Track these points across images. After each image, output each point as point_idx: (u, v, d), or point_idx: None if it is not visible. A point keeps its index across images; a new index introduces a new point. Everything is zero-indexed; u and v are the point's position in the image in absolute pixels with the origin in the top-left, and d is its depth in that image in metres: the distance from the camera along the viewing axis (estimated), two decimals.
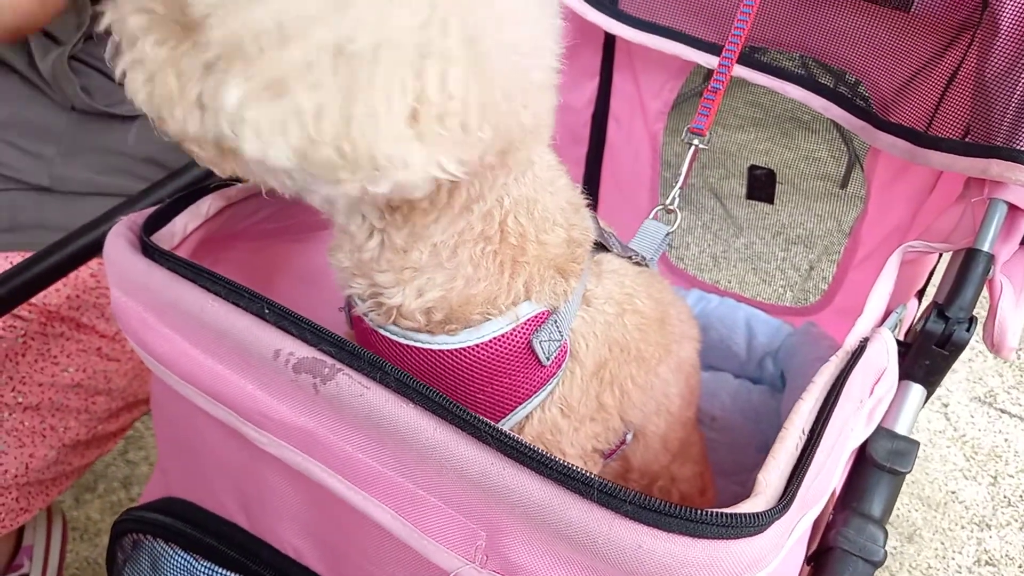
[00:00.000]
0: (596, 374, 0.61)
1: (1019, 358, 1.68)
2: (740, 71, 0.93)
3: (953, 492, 1.41)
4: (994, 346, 0.68)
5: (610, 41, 1.11)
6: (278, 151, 0.41)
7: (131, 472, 1.34)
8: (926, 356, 0.63)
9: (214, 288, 0.49)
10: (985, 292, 0.67)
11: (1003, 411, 1.57)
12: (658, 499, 0.38)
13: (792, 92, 0.93)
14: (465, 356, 0.56)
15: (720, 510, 0.38)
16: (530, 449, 0.40)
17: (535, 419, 0.60)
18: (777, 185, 1.16)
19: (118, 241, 0.54)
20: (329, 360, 0.45)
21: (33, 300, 0.74)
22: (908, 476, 0.58)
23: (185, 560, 0.58)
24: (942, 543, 1.33)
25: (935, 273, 0.81)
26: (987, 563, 1.30)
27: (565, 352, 0.59)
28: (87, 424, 0.83)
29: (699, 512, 0.38)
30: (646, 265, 0.69)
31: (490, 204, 0.53)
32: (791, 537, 0.43)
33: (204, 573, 0.57)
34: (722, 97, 0.82)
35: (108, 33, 0.47)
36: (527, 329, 0.57)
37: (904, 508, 1.38)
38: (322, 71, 0.40)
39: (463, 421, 0.42)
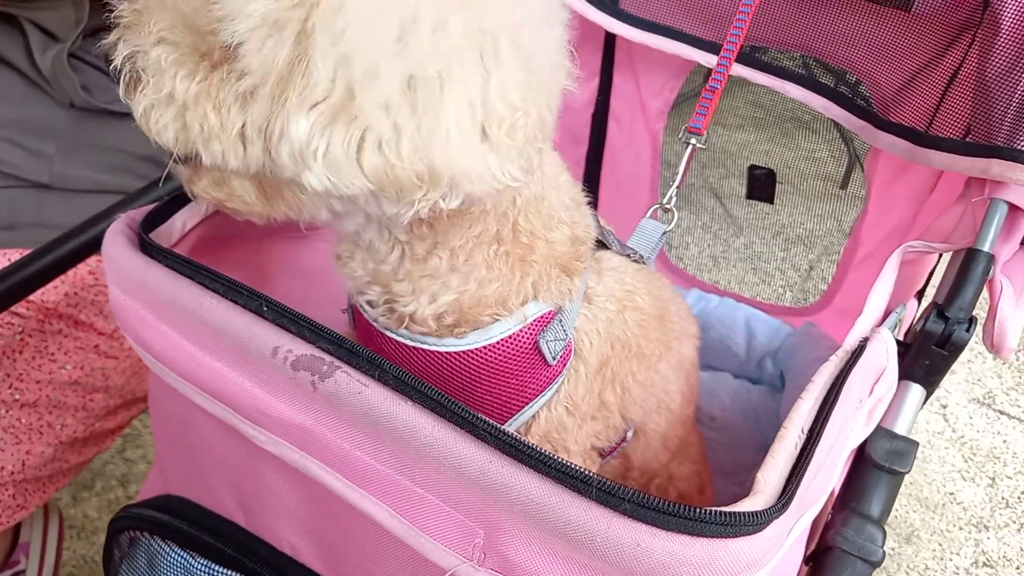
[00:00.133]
0: (599, 372, 0.61)
1: (1018, 359, 1.68)
2: (740, 70, 0.93)
3: (951, 493, 1.41)
4: (994, 347, 0.68)
5: (610, 41, 1.11)
6: (352, 178, 0.41)
7: (129, 470, 1.34)
8: (926, 356, 0.63)
9: (212, 285, 0.49)
10: (985, 292, 0.67)
11: (1002, 412, 1.57)
12: (657, 497, 0.38)
13: (793, 92, 0.93)
14: (473, 358, 0.56)
15: (719, 509, 0.38)
16: (528, 447, 0.40)
17: (542, 418, 0.60)
18: (777, 185, 1.16)
19: (117, 238, 0.54)
20: (327, 358, 0.45)
21: (31, 297, 0.74)
22: (906, 477, 0.57)
23: (182, 558, 0.58)
24: (940, 544, 1.33)
25: (935, 273, 0.81)
26: (985, 564, 1.30)
27: (570, 351, 0.59)
28: (85, 421, 0.83)
29: (698, 511, 0.38)
30: (644, 263, 0.69)
31: (506, 204, 0.53)
32: (790, 536, 0.43)
33: (201, 571, 0.57)
34: (720, 96, 0.82)
35: (118, 71, 0.46)
36: (534, 329, 0.57)
37: (902, 509, 1.38)
38: (393, 95, 0.40)
39: (461, 419, 0.42)
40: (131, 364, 0.86)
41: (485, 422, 0.41)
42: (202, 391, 0.51)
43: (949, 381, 1.63)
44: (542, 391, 0.59)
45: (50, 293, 0.78)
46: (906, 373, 0.63)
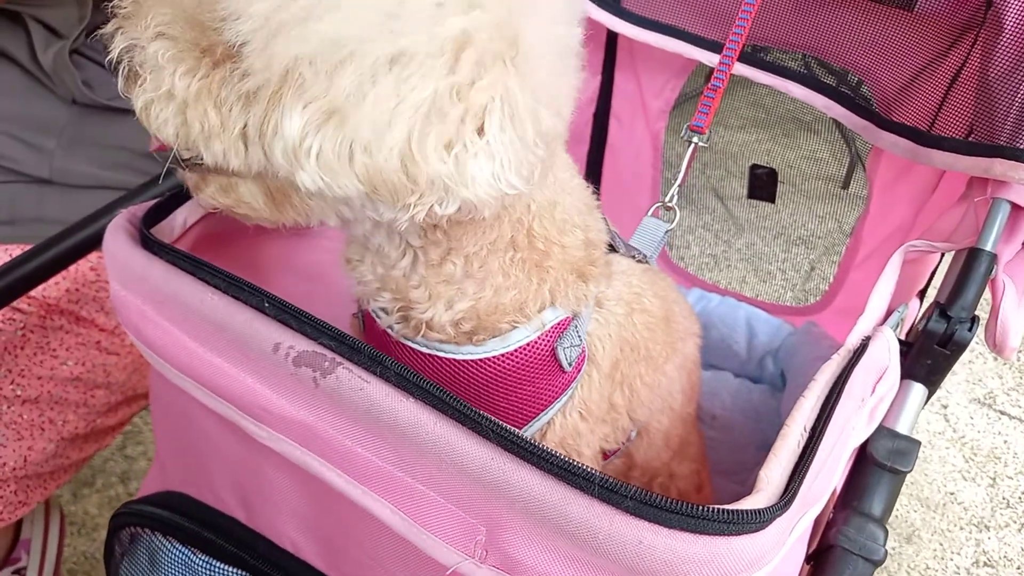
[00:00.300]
0: (610, 376, 0.61)
1: (1019, 360, 1.68)
2: (743, 70, 0.93)
3: (952, 493, 1.41)
4: (996, 346, 0.68)
5: (612, 39, 1.11)
6: (344, 180, 0.40)
7: (129, 467, 1.34)
8: (928, 356, 0.63)
9: (214, 281, 0.49)
10: (987, 292, 0.67)
11: (1003, 413, 1.57)
12: (659, 495, 0.38)
13: (795, 91, 0.93)
14: (490, 366, 0.56)
15: (722, 506, 0.38)
16: (530, 444, 0.40)
17: (556, 424, 0.59)
18: (779, 185, 1.16)
19: (118, 234, 0.54)
20: (329, 354, 0.45)
21: (32, 293, 0.74)
22: (907, 477, 0.57)
23: (183, 554, 0.58)
24: (941, 544, 1.33)
25: (936, 274, 0.81)
26: (985, 564, 1.30)
27: (584, 357, 0.59)
28: (86, 418, 0.83)
29: (701, 508, 0.38)
30: (647, 263, 0.69)
31: (520, 210, 0.52)
32: (792, 535, 0.43)
33: (202, 567, 0.57)
34: (722, 95, 0.82)
35: (116, 63, 0.45)
36: (551, 336, 0.56)
37: (903, 509, 1.38)
38: (377, 94, 0.39)
39: (463, 415, 0.42)
40: (132, 360, 0.86)
41: (487, 419, 0.41)
42: (203, 387, 0.51)
43: (950, 381, 1.63)
44: (557, 397, 0.58)
45: (51, 289, 0.78)
46: (908, 372, 0.63)
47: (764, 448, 1.02)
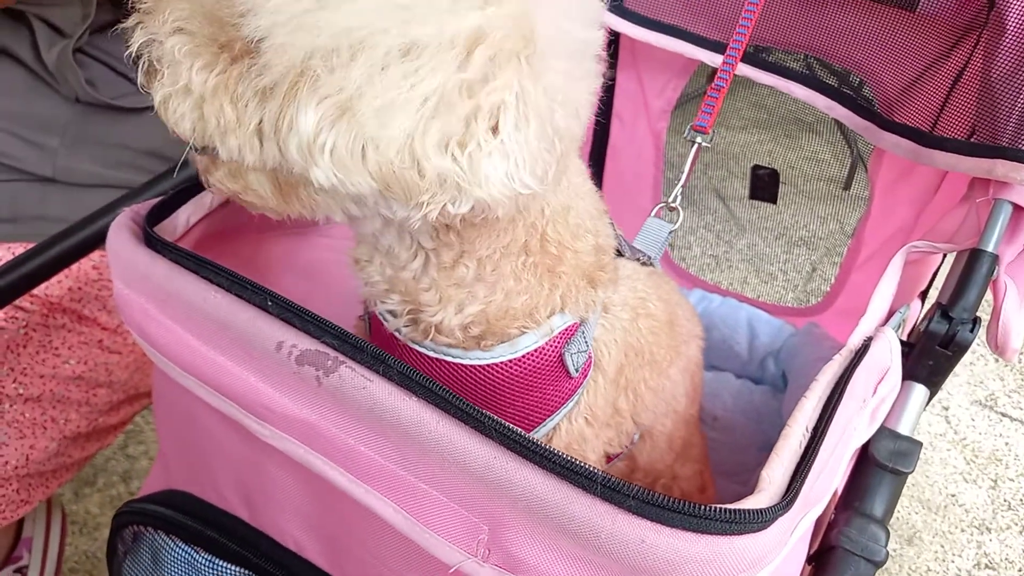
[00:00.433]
0: (615, 381, 0.61)
1: (1020, 362, 1.68)
2: (745, 70, 0.93)
3: (953, 495, 1.41)
4: (997, 348, 0.68)
5: (614, 39, 1.11)
6: (357, 176, 0.40)
7: (131, 466, 1.34)
8: (929, 356, 0.63)
9: (217, 280, 0.49)
10: (989, 293, 0.67)
11: (1004, 415, 1.57)
12: (662, 494, 0.38)
13: (797, 91, 0.93)
14: (498, 371, 0.56)
15: (724, 506, 0.38)
16: (533, 443, 0.40)
17: (563, 430, 0.59)
18: (780, 186, 1.16)
19: (121, 232, 0.54)
20: (332, 353, 0.45)
21: (35, 291, 0.74)
22: (908, 478, 0.57)
23: (186, 552, 0.58)
24: (942, 546, 1.33)
25: (938, 275, 0.81)
26: (987, 567, 1.30)
27: (590, 362, 0.59)
28: (88, 416, 0.83)
29: (703, 508, 0.38)
30: (652, 265, 0.69)
31: (534, 214, 0.52)
32: (793, 535, 0.43)
33: (205, 565, 0.57)
34: (725, 96, 0.82)
35: (137, 57, 0.45)
36: (559, 342, 0.56)
37: (904, 511, 1.38)
38: (388, 91, 0.39)
39: (466, 414, 0.42)
40: (134, 359, 0.86)
41: (490, 418, 0.41)
42: (206, 385, 0.51)
43: (951, 383, 1.62)
44: (564, 403, 0.58)
45: (54, 287, 0.78)
46: (910, 373, 0.63)
47: (765, 449, 1.02)
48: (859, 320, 0.61)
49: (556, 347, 0.56)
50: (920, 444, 0.57)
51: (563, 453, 0.40)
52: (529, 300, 0.54)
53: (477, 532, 0.43)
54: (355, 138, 0.39)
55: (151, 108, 0.46)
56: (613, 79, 1.14)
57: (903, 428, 0.59)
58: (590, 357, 0.58)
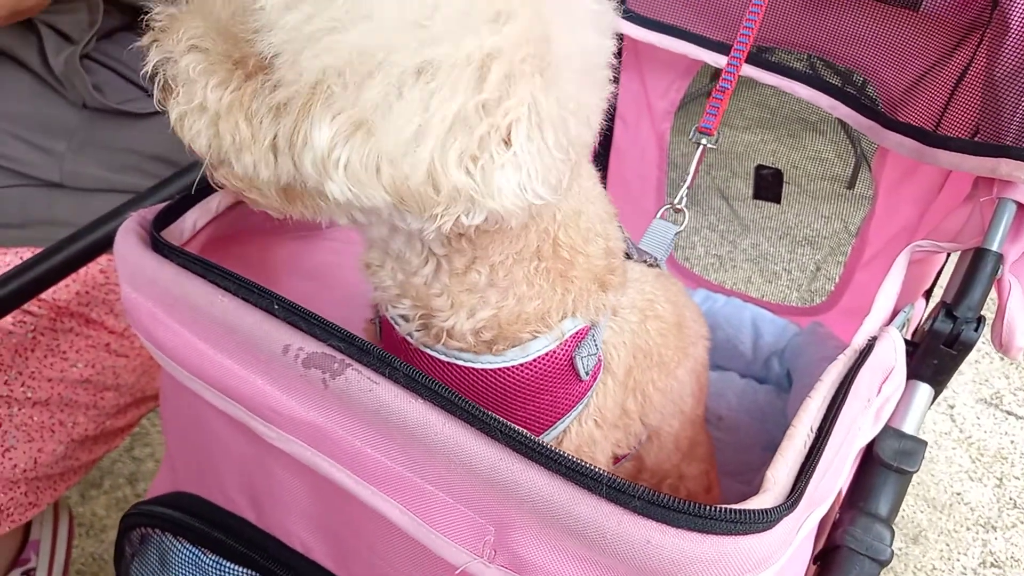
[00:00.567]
0: (624, 382, 0.61)
1: None
2: (749, 70, 0.93)
3: (958, 494, 1.41)
4: (1002, 346, 0.68)
5: (617, 41, 1.11)
6: (371, 191, 0.41)
7: (137, 468, 1.34)
8: (934, 356, 0.63)
9: (224, 283, 0.49)
10: (993, 292, 0.67)
11: (1009, 413, 1.57)
12: (667, 495, 0.38)
13: (800, 91, 0.93)
14: (509, 375, 0.56)
15: (729, 506, 0.38)
16: (538, 444, 0.40)
17: (572, 432, 0.59)
18: (784, 186, 1.16)
19: (128, 237, 0.54)
20: (338, 355, 0.45)
21: (43, 295, 0.75)
22: (913, 477, 0.57)
23: (193, 554, 0.58)
24: (947, 544, 1.33)
25: (942, 274, 0.81)
26: (992, 565, 1.30)
27: (600, 365, 0.59)
28: (95, 419, 0.83)
29: (708, 508, 0.38)
30: (658, 266, 0.70)
31: (546, 219, 0.52)
32: (798, 535, 0.43)
33: (212, 567, 0.58)
34: (730, 96, 0.82)
35: (152, 76, 0.46)
36: (570, 345, 0.56)
37: (909, 509, 1.38)
38: (403, 105, 0.39)
39: (472, 416, 0.42)
40: (141, 363, 0.86)
41: (496, 419, 0.41)
42: (213, 388, 0.51)
43: (956, 381, 1.62)
44: (574, 406, 0.58)
45: (61, 291, 0.79)
46: (914, 372, 0.63)
47: (770, 448, 1.02)
48: (863, 319, 0.61)
49: (567, 351, 0.56)
50: (925, 443, 0.57)
51: (568, 454, 0.40)
52: (541, 305, 0.54)
53: (483, 533, 0.43)
54: (370, 153, 0.40)
55: (157, 113, 0.46)
56: (616, 80, 1.14)
57: (908, 427, 0.59)
58: (600, 360, 0.59)
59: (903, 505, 0.58)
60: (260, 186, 0.47)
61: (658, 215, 0.81)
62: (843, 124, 1.02)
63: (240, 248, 0.69)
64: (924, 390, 0.62)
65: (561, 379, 0.57)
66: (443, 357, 0.56)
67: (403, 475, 0.45)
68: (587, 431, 0.60)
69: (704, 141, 0.82)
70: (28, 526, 1.00)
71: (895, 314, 0.65)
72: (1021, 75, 0.71)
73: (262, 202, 0.49)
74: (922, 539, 1.34)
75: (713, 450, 0.85)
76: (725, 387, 1.12)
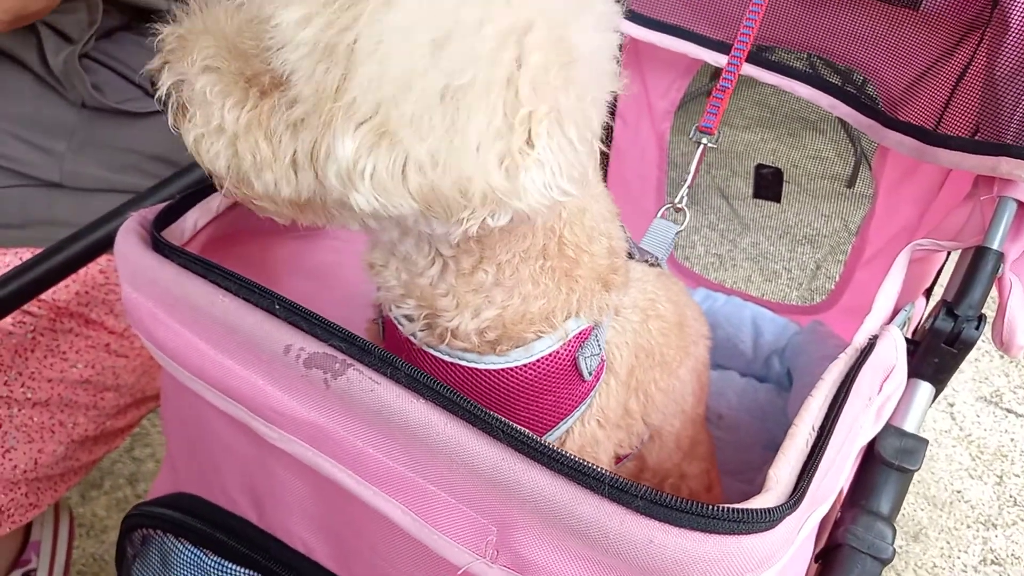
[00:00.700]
0: (626, 382, 0.61)
1: None
2: (749, 70, 0.93)
3: (959, 491, 1.41)
4: (1003, 345, 0.68)
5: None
6: (398, 199, 0.41)
7: (137, 469, 1.34)
8: (935, 354, 0.63)
9: (225, 284, 0.49)
10: (994, 291, 0.67)
11: (1009, 411, 1.57)
12: (670, 494, 0.38)
13: (800, 91, 0.93)
14: (513, 376, 0.56)
15: (732, 505, 0.38)
16: (541, 444, 0.40)
17: (575, 433, 0.59)
18: (784, 185, 1.16)
19: (129, 237, 0.54)
20: (340, 356, 0.45)
21: (42, 296, 0.74)
22: (914, 475, 0.58)
23: (195, 555, 0.58)
24: (948, 542, 1.33)
25: (942, 272, 0.81)
26: (993, 562, 1.30)
27: (603, 365, 0.59)
28: (95, 420, 0.83)
29: (711, 507, 0.38)
30: (659, 266, 0.70)
31: (552, 217, 0.52)
32: (800, 534, 0.43)
33: (214, 568, 0.57)
34: (730, 96, 0.82)
35: (165, 98, 0.46)
36: (573, 346, 0.56)
37: (910, 507, 1.38)
38: (431, 113, 0.39)
39: (474, 416, 0.42)
40: (141, 363, 0.86)
41: (498, 419, 0.41)
42: (214, 389, 0.51)
43: (956, 379, 1.62)
44: (577, 406, 0.58)
45: (61, 292, 0.78)
46: (915, 371, 0.63)
47: (770, 447, 1.02)
48: (864, 318, 0.61)
49: (570, 351, 0.56)
50: (926, 441, 0.57)
51: (571, 454, 0.40)
52: (546, 304, 0.54)
53: (486, 533, 0.43)
54: (396, 161, 0.40)
55: (157, 112, 0.46)
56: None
57: (909, 426, 0.59)
58: (602, 360, 0.59)
59: (903, 503, 0.58)
60: (279, 203, 0.47)
61: (659, 214, 0.81)
62: (843, 123, 1.02)
63: (240, 248, 0.69)
64: (925, 388, 0.62)
65: (564, 380, 0.57)
66: (447, 357, 0.56)
67: (405, 475, 0.45)
68: (590, 431, 0.60)
69: (705, 140, 0.82)
70: (29, 527, 1.00)
71: (896, 313, 0.65)
72: (1021, 74, 0.71)
73: (272, 211, 0.49)
74: (923, 537, 1.34)
75: (714, 449, 0.85)
76: (725, 386, 1.12)
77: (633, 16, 0.99)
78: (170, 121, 0.47)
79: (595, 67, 0.45)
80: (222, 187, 0.50)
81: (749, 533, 0.38)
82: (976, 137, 0.76)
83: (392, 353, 0.45)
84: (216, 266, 0.50)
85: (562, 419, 0.58)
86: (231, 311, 0.48)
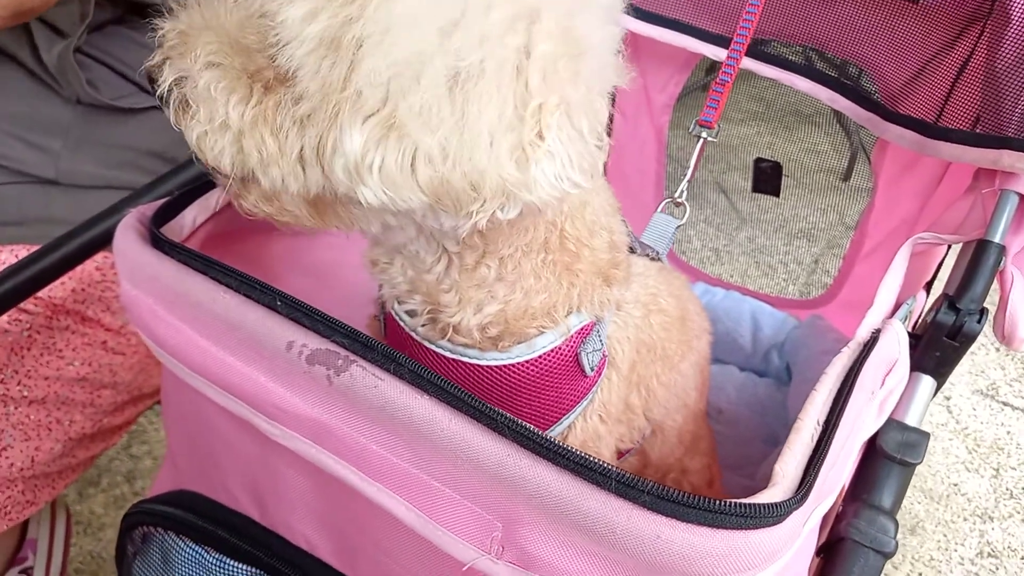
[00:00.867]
0: (628, 377, 0.61)
1: (1022, 350, 1.68)
2: (748, 63, 0.93)
3: (955, 484, 1.42)
4: (1005, 338, 0.68)
5: None
6: (407, 192, 0.40)
7: (135, 466, 1.34)
8: (937, 348, 0.63)
9: (225, 280, 0.49)
10: (995, 285, 0.67)
11: (1005, 404, 1.57)
12: (677, 490, 0.38)
13: (799, 84, 0.93)
14: (515, 372, 0.56)
15: (740, 500, 0.38)
16: (546, 440, 0.40)
17: (578, 428, 0.59)
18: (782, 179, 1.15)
19: (128, 233, 0.54)
20: (343, 352, 0.45)
21: (39, 294, 0.74)
22: None
23: (197, 552, 0.58)
24: (944, 535, 1.33)
25: (943, 267, 0.81)
26: (989, 555, 1.31)
27: (605, 360, 0.59)
28: (92, 418, 0.83)
29: (718, 503, 0.38)
30: (660, 260, 0.69)
31: (554, 211, 0.52)
32: (805, 528, 0.43)
33: (216, 565, 0.57)
34: (730, 89, 0.82)
35: (166, 94, 0.45)
36: (575, 341, 0.56)
37: (907, 500, 1.38)
38: (440, 105, 0.39)
39: (478, 412, 0.42)
40: (138, 360, 0.86)
41: (502, 415, 0.41)
42: (216, 385, 0.51)
43: (953, 373, 1.63)
44: (579, 401, 0.58)
45: (57, 289, 0.78)
46: (917, 365, 0.63)
47: (770, 442, 1.02)
48: (864, 312, 0.61)
49: (572, 347, 0.56)
50: (928, 435, 0.57)
51: (576, 450, 0.40)
52: (548, 299, 0.54)
53: (491, 529, 0.43)
54: (404, 154, 0.40)
55: (152, 109, 0.46)
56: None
57: (911, 419, 0.60)
58: (604, 355, 0.58)
59: None
60: (288, 201, 0.47)
61: (659, 209, 0.81)
62: (838, 115, 1.02)
63: (239, 244, 0.68)
64: (927, 382, 0.63)
65: (566, 375, 0.57)
66: (448, 353, 0.55)
67: (409, 471, 0.44)
68: (592, 426, 0.59)
69: (704, 134, 0.81)
70: (26, 525, 0.99)
71: (897, 307, 0.65)
72: (1022, 66, 0.71)
73: (294, 223, 0.49)
74: (920, 530, 1.34)
75: (715, 444, 0.85)
76: (725, 380, 1.12)
77: (633, 10, 0.99)
78: (171, 118, 0.46)
79: (601, 60, 0.45)
80: (225, 186, 0.50)
81: (756, 528, 0.38)
82: (977, 130, 0.76)
83: (395, 349, 0.44)
84: (216, 262, 0.50)
85: (564, 415, 0.58)
86: (232, 308, 0.48)
